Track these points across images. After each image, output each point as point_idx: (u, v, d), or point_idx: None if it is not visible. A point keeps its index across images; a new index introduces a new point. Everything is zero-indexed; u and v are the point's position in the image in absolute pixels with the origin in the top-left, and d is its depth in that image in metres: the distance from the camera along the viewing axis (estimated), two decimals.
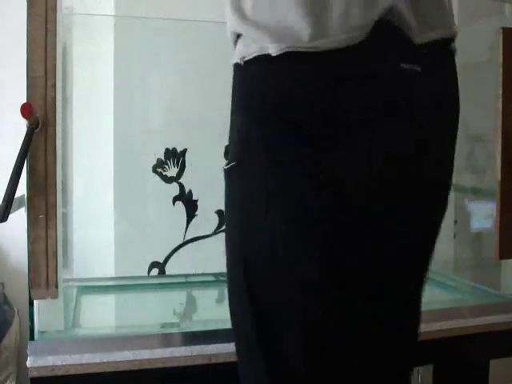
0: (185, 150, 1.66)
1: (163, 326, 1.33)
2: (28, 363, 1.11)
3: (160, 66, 1.69)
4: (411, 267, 0.90)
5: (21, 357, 1.73)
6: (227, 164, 0.91)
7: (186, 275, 1.69)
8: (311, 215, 0.75)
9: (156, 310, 1.52)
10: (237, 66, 0.85)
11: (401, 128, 0.76)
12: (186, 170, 1.66)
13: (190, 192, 1.67)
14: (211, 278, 1.70)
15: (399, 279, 0.86)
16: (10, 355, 1.72)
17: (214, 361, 1.19)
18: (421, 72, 0.77)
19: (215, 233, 1.70)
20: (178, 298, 1.64)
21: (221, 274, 1.72)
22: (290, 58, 0.74)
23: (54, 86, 1.08)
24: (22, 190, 1.06)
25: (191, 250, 1.68)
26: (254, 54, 0.80)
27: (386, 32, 0.74)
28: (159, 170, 1.65)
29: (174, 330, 1.25)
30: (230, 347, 1.20)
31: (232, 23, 0.85)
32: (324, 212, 0.75)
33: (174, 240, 1.67)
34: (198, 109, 1.68)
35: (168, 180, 1.66)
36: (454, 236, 1.85)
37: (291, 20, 0.74)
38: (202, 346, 1.19)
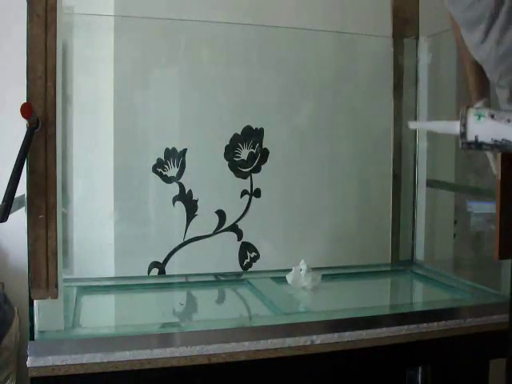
0: (185, 150, 1.66)
1: (163, 326, 1.33)
2: (28, 363, 1.11)
3: (160, 66, 1.69)
4: None
5: (21, 357, 1.73)
6: None
7: (186, 275, 1.69)
8: None
9: (156, 310, 1.52)
10: None
11: None
12: (185, 169, 1.66)
13: (190, 192, 1.67)
14: (211, 278, 1.70)
15: None
16: (9, 355, 1.72)
17: (214, 361, 1.19)
18: None
19: (215, 233, 1.71)
20: (177, 297, 1.64)
21: (221, 274, 1.72)
22: None
23: (54, 85, 1.08)
24: (22, 190, 1.06)
25: (191, 250, 1.68)
26: None
27: None
28: (159, 169, 1.65)
29: (174, 330, 1.25)
30: (230, 347, 1.20)
31: None
32: None
33: (174, 240, 1.67)
34: (197, 109, 1.68)
35: (168, 180, 1.66)
36: (454, 236, 1.86)
37: None
38: (202, 345, 1.19)
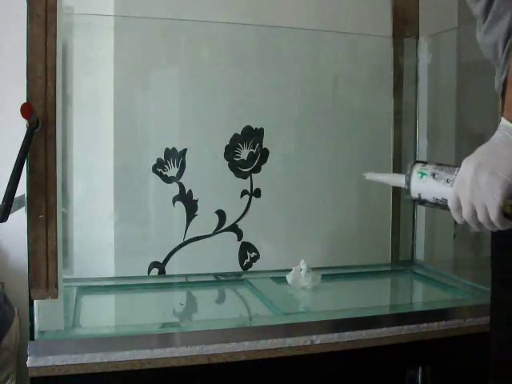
0: (185, 150, 1.66)
1: (163, 326, 1.33)
2: (28, 363, 1.11)
3: (160, 66, 1.69)
4: None
5: (21, 357, 1.73)
6: None
7: (186, 275, 1.69)
8: None
9: (156, 310, 1.52)
10: None
11: None
12: (185, 169, 1.66)
13: (190, 192, 1.67)
14: (211, 278, 1.70)
15: None
16: (9, 355, 1.72)
17: (214, 361, 1.19)
18: None
19: (215, 233, 1.71)
20: (177, 297, 1.64)
21: (221, 274, 1.72)
22: None
23: (54, 85, 1.08)
24: (22, 190, 1.06)
25: (191, 250, 1.68)
26: None
27: None
28: (159, 169, 1.65)
29: (174, 330, 1.25)
30: (230, 347, 1.20)
31: None
32: None
33: (174, 240, 1.67)
34: (197, 109, 1.68)
35: (168, 180, 1.66)
36: (454, 236, 1.85)
37: None
38: (202, 345, 1.19)
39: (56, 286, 1.10)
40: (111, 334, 1.23)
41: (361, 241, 1.84)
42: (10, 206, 0.98)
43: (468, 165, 0.80)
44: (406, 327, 1.32)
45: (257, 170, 1.73)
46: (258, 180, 1.73)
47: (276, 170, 1.76)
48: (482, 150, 0.81)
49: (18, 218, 1.11)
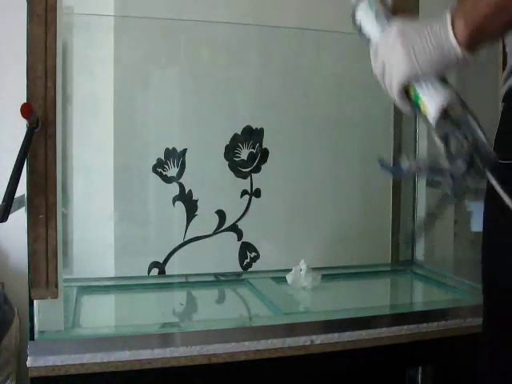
0: (185, 150, 1.66)
1: (163, 326, 1.33)
2: (28, 363, 1.11)
3: (160, 66, 1.69)
4: None
5: (21, 357, 1.73)
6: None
7: (186, 275, 1.69)
8: None
9: (156, 310, 1.52)
10: None
11: None
12: (185, 169, 1.66)
13: (190, 192, 1.67)
14: (211, 278, 1.70)
15: None
16: (9, 355, 1.72)
17: (214, 361, 1.19)
18: None
19: (215, 233, 1.71)
20: (177, 297, 1.64)
21: (221, 274, 1.72)
22: None
23: (54, 85, 1.08)
24: (22, 190, 1.06)
25: (191, 250, 1.68)
26: None
27: None
28: (159, 169, 1.65)
29: (174, 330, 1.25)
30: (230, 347, 1.20)
31: None
32: None
33: (174, 240, 1.67)
34: (197, 109, 1.68)
35: (168, 180, 1.66)
36: (454, 236, 1.85)
37: None
38: (202, 345, 1.19)
39: (56, 286, 1.10)
40: (111, 334, 1.23)
41: (361, 241, 1.84)
42: (10, 206, 0.98)
43: (397, 22, 0.78)
44: (405, 327, 1.32)
45: (257, 170, 1.74)
46: (258, 180, 1.73)
47: (276, 169, 1.76)
48: (418, 20, 0.79)
49: (18, 218, 1.11)
